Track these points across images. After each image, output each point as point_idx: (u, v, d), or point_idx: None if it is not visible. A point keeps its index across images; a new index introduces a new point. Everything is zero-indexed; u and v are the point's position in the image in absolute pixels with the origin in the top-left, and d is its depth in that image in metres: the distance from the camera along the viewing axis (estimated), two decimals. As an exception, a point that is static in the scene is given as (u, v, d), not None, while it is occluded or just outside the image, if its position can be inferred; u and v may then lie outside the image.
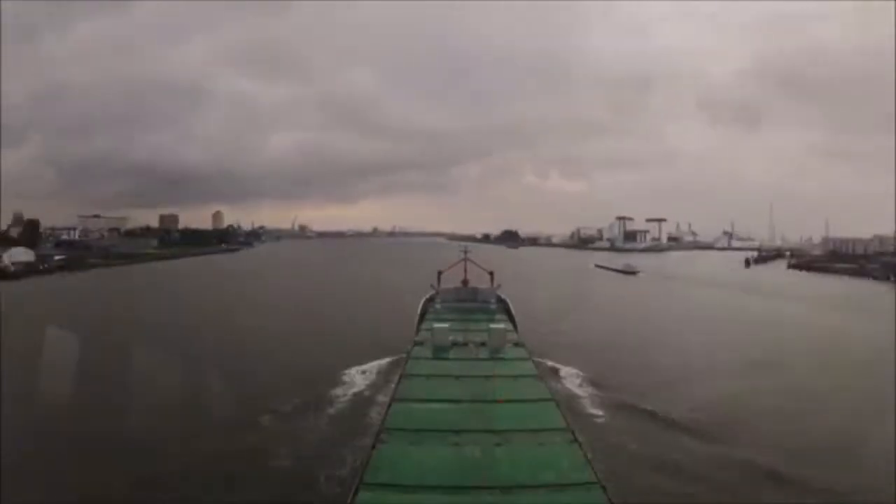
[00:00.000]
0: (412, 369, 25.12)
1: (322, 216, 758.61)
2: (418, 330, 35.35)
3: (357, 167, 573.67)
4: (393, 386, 24.27)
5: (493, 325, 32.05)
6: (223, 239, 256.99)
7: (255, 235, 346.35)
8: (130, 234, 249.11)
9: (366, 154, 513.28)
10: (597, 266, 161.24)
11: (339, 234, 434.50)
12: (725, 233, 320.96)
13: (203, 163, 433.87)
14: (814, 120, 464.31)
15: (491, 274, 47.03)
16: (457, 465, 15.12)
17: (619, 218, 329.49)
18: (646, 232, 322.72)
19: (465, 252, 49.00)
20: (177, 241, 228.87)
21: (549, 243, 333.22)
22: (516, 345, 30.10)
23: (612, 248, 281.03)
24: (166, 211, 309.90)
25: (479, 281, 46.63)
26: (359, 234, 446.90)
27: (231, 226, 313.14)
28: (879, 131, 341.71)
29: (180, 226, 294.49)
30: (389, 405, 20.15)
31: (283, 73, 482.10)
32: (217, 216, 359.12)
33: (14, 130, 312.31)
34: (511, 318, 39.11)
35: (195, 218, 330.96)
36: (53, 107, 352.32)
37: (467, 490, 13.85)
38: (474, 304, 43.61)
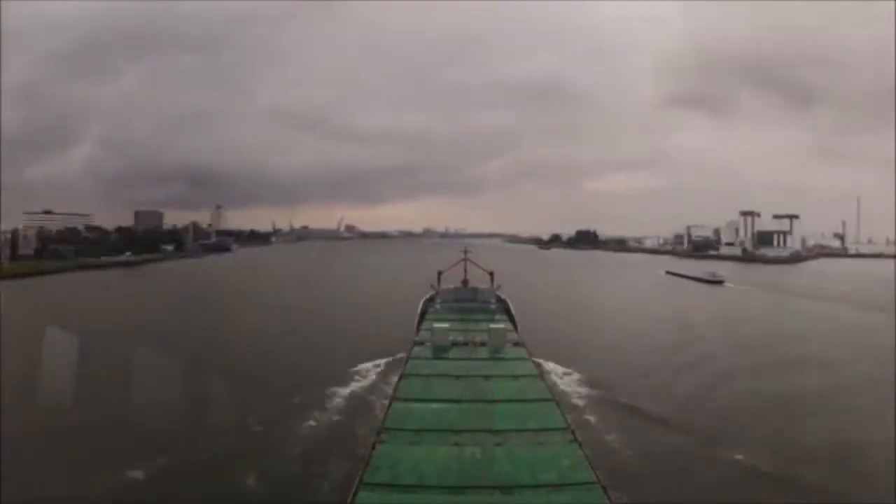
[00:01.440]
0: (412, 369, 24.92)
1: (371, 216, 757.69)
2: (418, 330, 34.96)
3: (407, 167, 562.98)
4: (393, 386, 24.06)
5: (493, 325, 32.02)
6: (145, 243, 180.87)
7: (259, 237, 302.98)
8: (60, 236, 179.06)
9: (407, 156, 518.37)
10: (668, 273, 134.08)
11: (382, 236, 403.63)
12: (837, 235, 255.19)
13: (242, 168, 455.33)
14: (806, 119, 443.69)
15: (491, 274, 46.57)
16: (457, 465, 14.98)
17: (745, 213, 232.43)
18: (784, 233, 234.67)
19: (465, 252, 48.36)
20: (60, 247, 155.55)
21: (639, 248, 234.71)
22: (516, 344, 29.89)
23: (745, 257, 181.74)
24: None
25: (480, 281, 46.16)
26: (408, 235, 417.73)
27: (196, 223, 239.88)
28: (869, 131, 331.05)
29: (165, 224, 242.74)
30: (389, 405, 19.97)
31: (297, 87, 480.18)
32: (216, 216, 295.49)
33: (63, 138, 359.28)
34: (511, 318, 38.50)
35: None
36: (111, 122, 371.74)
37: (467, 490, 13.75)
38: (474, 304, 42.95)
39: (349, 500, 13.12)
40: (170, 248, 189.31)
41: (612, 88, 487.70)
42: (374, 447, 15.89)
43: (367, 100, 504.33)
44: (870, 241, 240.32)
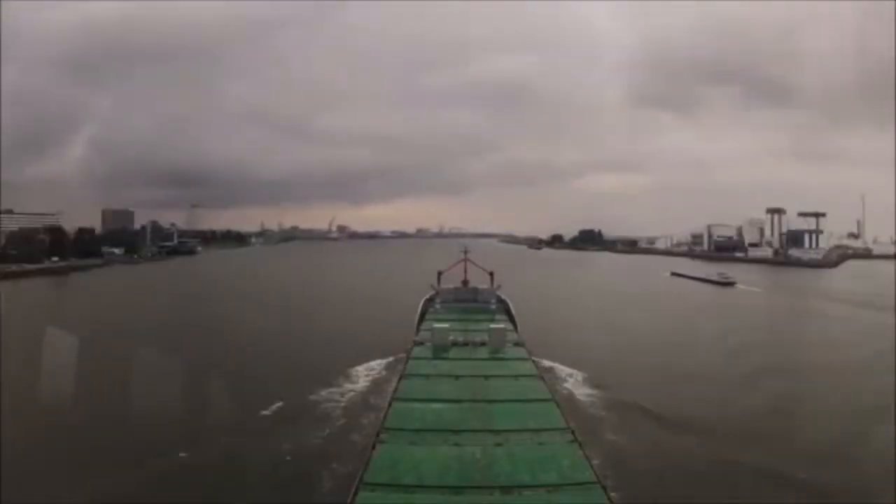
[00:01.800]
0: (412, 369, 24.96)
1: (365, 216, 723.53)
2: (418, 330, 34.82)
3: (400, 168, 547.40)
4: (393, 386, 23.90)
5: (493, 325, 31.75)
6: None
7: (238, 238, 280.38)
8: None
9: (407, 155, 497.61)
10: (674, 274, 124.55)
11: (373, 236, 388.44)
12: (851, 235, 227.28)
13: (240, 169, 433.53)
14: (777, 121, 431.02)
15: (491, 274, 46.38)
16: (457, 465, 14.91)
17: (771, 211, 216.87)
18: (815, 233, 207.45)
19: (465, 252, 48.02)
20: None
21: (651, 249, 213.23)
22: (516, 344, 29.77)
23: (777, 259, 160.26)
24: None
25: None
26: (401, 235, 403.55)
27: (155, 222, 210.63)
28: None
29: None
30: (389, 405, 19.89)
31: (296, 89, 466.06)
32: (192, 215, 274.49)
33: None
34: (511, 318, 38.34)
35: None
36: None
37: (467, 490, 13.67)
38: (474, 304, 42.71)
39: (349, 500, 13.06)
40: (118, 251, 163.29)
41: (598, 88, 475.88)
42: (374, 447, 15.86)
43: (359, 102, 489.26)
44: (875, 242, 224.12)
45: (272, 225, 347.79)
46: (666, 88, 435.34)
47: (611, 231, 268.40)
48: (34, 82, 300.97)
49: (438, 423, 17.76)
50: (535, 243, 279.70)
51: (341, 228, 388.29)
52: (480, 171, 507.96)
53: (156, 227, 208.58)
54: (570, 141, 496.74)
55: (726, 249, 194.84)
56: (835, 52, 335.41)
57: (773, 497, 21.51)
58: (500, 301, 42.90)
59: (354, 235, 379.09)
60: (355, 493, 13.21)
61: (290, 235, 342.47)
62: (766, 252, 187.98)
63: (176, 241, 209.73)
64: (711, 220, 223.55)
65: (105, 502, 20.67)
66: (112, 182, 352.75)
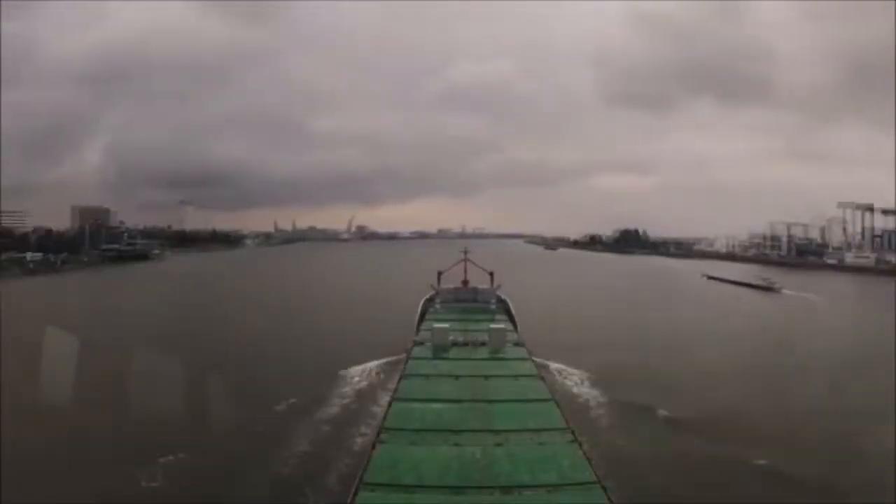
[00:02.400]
0: (412, 369, 24.99)
1: (387, 216, 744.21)
2: (418, 330, 34.88)
3: (421, 167, 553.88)
4: (393, 386, 24.00)
5: (493, 325, 31.86)
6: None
7: (230, 240, 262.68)
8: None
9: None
10: (706, 277, 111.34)
11: (392, 236, 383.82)
12: None
13: (264, 171, 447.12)
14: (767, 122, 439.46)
15: (491, 274, 46.53)
16: (457, 465, 14.92)
17: (859, 207, 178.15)
18: None
19: (465, 252, 48.21)
20: None
21: (706, 252, 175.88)
22: (516, 344, 29.86)
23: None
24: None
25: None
26: (422, 236, 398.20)
27: (100, 222, 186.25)
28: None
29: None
30: (389, 405, 19.95)
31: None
32: (180, 214, 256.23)
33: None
34: (511, 318, 38.47)
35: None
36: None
37: (467, 490, 13.68)
38: (474, 304, 42.88)
39: (349, 500, 13.05)
40: (51, 256, 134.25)
41: (604, 88, 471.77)
42: (374, 447, 15.87)
43: (370, 102, 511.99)
44: None
45: (287, 226, 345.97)
46: (668, 89, 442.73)
47: (651, 230, 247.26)
48: (40, 89, 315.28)
49: (438, 423, 17.82)
50: (550, 244, 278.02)
51: (360, 228, 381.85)
52: (497, 172, 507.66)
53: (104, 228, 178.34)
54: (584, 142, 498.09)
55: (806, 254, 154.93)
56: (831, 51, 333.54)
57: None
58: (500, 301, 42.99)
59: (371, 236, 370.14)
60: (355, 493, 13.24)
61: (298, 236, 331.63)
62: (862, 258, 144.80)
63: (125, 243, 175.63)
64: (750, 220, 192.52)
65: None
66: (120, 185, 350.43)
